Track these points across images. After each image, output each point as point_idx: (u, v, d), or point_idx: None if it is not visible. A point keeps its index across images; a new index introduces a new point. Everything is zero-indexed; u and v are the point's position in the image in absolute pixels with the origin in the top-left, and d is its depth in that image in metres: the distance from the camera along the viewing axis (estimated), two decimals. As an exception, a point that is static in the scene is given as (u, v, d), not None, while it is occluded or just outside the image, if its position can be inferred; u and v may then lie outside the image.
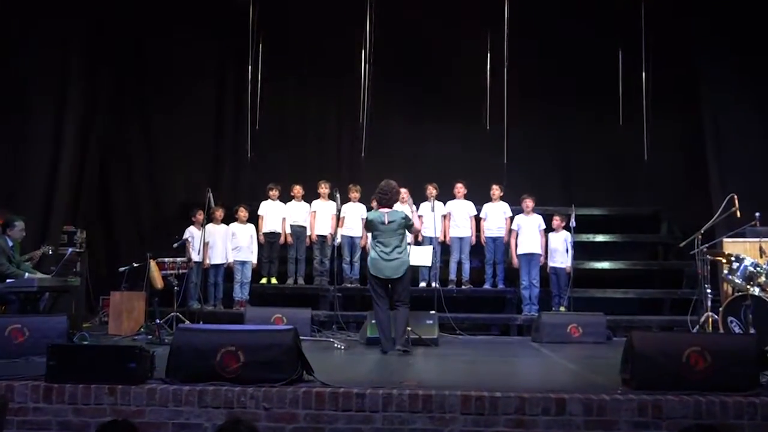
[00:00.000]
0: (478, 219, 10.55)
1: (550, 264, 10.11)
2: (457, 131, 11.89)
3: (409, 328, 7.71)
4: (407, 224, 7.56)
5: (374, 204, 10.04)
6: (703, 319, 8.01)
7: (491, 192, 10.51)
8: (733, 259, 8.01)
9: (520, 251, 10.18)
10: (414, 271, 9.68)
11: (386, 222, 7.48)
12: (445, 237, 10.47)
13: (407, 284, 7.55)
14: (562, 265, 9.99)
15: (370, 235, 7.85)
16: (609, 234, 11.56)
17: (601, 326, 8.81)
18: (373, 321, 7.82)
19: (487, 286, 10.46)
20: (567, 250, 9.87)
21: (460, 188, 10.56)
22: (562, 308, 9.82)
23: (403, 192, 9.52)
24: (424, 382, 5.34)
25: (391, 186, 7.63)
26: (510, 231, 10.39)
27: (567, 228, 9.96)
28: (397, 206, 7.91)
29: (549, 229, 10.25)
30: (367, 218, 7.72)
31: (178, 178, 11.92)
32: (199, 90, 12.18)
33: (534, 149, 11.91)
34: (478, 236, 10.52)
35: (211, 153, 12.37)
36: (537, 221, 10.21)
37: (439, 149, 11.97)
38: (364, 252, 10.48)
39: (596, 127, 11.89)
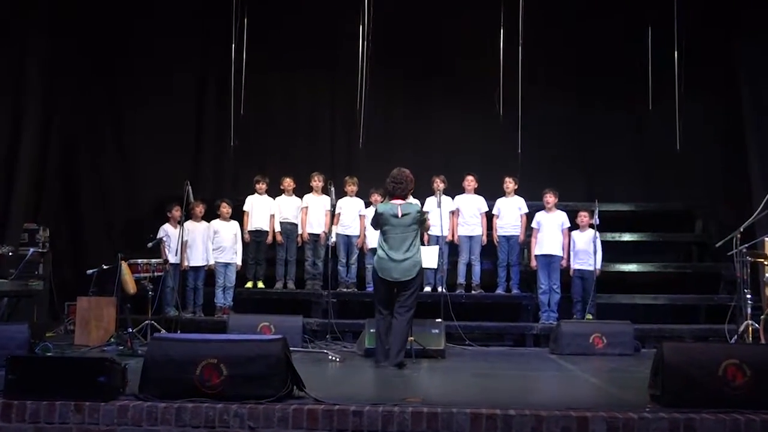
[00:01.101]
0: (489, 216, 10.55)
1: (576, 266, 10.10)
2: (467, 117, 11.87)
3: (411, 338, 7.70)
4: (422, 219, 7.50)
5: (374, 198, 10.07)
6: (742, 328, 8.00)
7: (504, 185, 10.51)
8: (776, 261, 8.02)
9: (538, 251, 10.17)
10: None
11: (399, 215, 7.38)
12: (453, 236, 10.46)
13: (417, 289, 7.45)
14: (590, 267, 9.98)
15: (368, 230, 7.79)
16: (636, 233, 11.56)
17: (628, 336, 8.80)
18: (372, 330, 7.80)
19: (499, 290, 10.46)
20: (595, 251, 9.84)
21: (470, 181, 10.55)
22: (589, 316, 9.80)
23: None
24: (429, 398, 5.32)
25: (404, 174, 7.55)
26: (525, 229, 10.39)
27: (592, 226, 9.94)
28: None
29: (572, 227, 10.23)
30: (376, 211, 7.57)
31: (152, 170, 11.90)
32: (177, 72, 12.16)
33: (552, 138, 11.90)
34: (489, 235, 10.52)
35: (190, 142, 12.37)
36: (560, 219, 10.21)
37: (446, 137, 11.96)
38: (362, 253, 10.49)
39: (622, 112, 11.89)
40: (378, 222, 7.50)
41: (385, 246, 7.37)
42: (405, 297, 7.33)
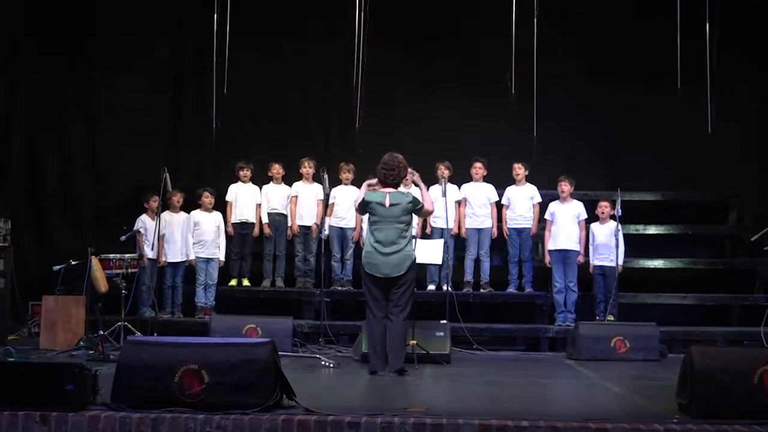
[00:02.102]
0: (500, 206, 10.55)
1: (596, 262, 10.11)
2: (475, 97, 11.84)
3: (413, 342, 7.71)
4: (415, 209, 7.52)
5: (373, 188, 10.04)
6: (780, 330, 8.02)
7: (514, 172, 10.51)
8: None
9: (552, 246, 10.17)
10: (421, 271, 9.69)
11: (387, 204, 7.42)
12: (459, 228, 10.46)
13: (410, 286, 7.48)
14: (612, 263, 9.97)
15: (365, 221, 7.81)
16: (663, 225, 11.55)
17: (654, 340, 8.83)
18: (369, 333, 7.83)
19: (511, 289, 10.48)
20: (617, 245, 9.84)
21: (478, 168, 10.55)
22: (610, 317, 9.81)
23: (409, 172, 9.49)
24: (432, 408, 5.34)
25: (397, 160, 7.58)
26: (538, 221, 10.39)
27: (614, 217, 9.94)
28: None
29: (591, 218, 10.23)
30: (363, 198, 7.62)
31: (126, 156, 11.86)
32: (152, 48, 12.14)
33: (569, 119, 11.89)
34: (500, 227, 10.53)
35: (167, 124, 12.35)
36: (576, 209, 10.20)
37: (452, 119, 11.93)
38: (359, 247, 10.48)
39: (648, 92, 11.85)
40: (362, 209, 7.65)
41: (372, 238, 7.43)
42: (397, 295, 7.35)
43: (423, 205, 7.61)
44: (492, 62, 11.16)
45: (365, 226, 10.09)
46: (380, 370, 7.29)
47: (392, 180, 7.53)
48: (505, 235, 10.50)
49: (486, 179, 10.60)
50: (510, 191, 10.53)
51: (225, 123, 11.32)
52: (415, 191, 9.74)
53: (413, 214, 7.62)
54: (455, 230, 10.38)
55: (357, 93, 10.75)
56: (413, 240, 7.67)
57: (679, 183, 11.90)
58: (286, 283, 10.68)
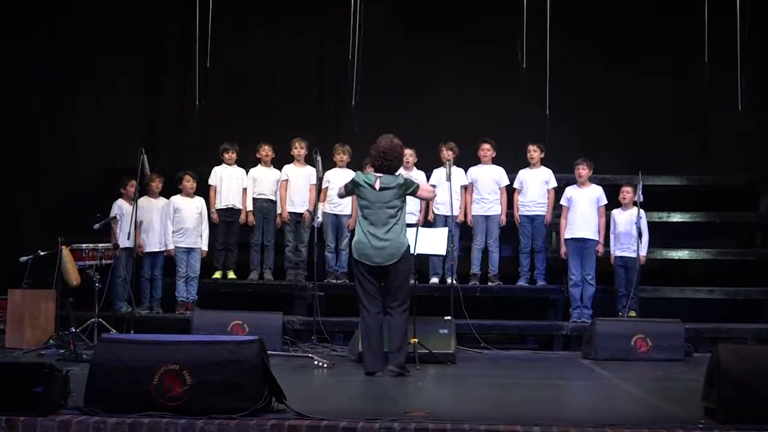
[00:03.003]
0: (510, 191, 10.56)
1: (617, 253, 10.11)
2: (483, 72, 11.84)
3: (415, 340, 7.72)
4: (408, 190, 7.49)
5: (369, 171, 10.04)
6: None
7: (528, 155, 10.50)
8: None
9: (569, 235, 10.18)
10: (423, 263, 9.70)
11: (377, 188, 7.43)
12: (465, 216, 10.47)
13: (405, 277, 7.51)
14: (634, 254, 9.97)
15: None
16: (688, 212, 11.57)
17: (678, 338, 8.85)
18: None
19: (522, 282, 10.49)
20: (640, 234, 9.84)
21: (486, 150, 10.53)
22: (632, 313, 9.83)
23: (408, 154, 9.49)
24: (435, 412, 5.35)
25: (393, 145, 7.57)
26: (553, 208, 10.39)
27: (635, 203, 9.93)
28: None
29: (612, 205, 10.23)
30: (352, 179, 7.67)
31: (100, 136, 11.86)
32: (129, 17, 12.11)
33: (587, 96, 11.88)
34: (510, 214, 10.53)
35: (145, 101, 12.34)
36: (594, 194, 10.20)
37: (457, 96, 11.92)
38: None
39: (671, 66, 11.85)
40: (349, 191, 7.65)
41: (363, 225, 7.45)
42: (394, 289, 7.39)
43: (417, 185, 7.60)
44: (501, 34, 11.13)
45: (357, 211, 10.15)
46: (378, 370, 7.31)
47: (388, 170, 7.54)
48: (516, 222, 10.50)
49: (495, 162, 10.58)
50: (523, 174, 10.53)
51: (209, 100, 11.31)
52: (415, 173, 9.78)
53: (407, 197, 7.58)
54: (461, 218, 10.39)
55: (353, 67, 10.74)
56: (416, 228, 7.64)
57: (706, 166, 11.86)
58: (275, 276, 10.69)
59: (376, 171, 7.61)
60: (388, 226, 7.37)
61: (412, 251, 7.70)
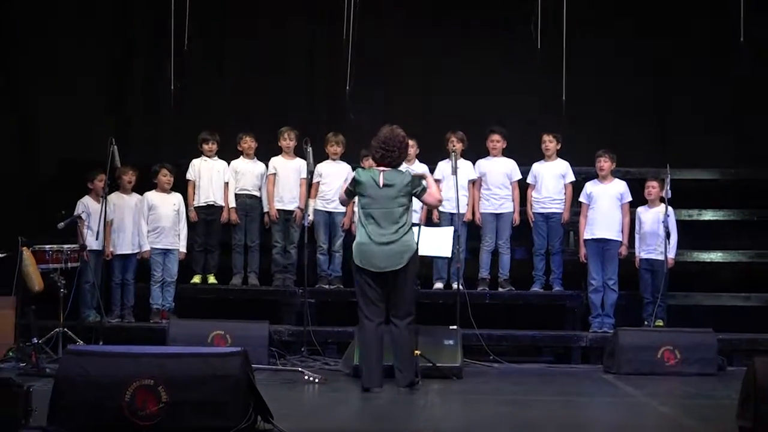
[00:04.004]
0: (523, 186, 10.56)
1: (643, 255, 10.11)
2: (494, 53, 11.85)
3: (417, 352, 7.71)
4: (414, 190, 7.52)
5: (368, 164, 10.05)
6: None
7: (543, 146, 10.49)
8: None
9: (588, 235, 10.18)
10: (426, 266, 9.69)
11: (381, 184, 7.45)
12: (473, 214, 10.48)
13: (411, 284, 7.52)
14: (662, 257, 9.97)
15: (357, 205, 7.81)
16: (721, 210, 11.59)
17: (710, 349, 8.85)
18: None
19: (536, 287, 10.49)
20: (668, 234, 9.84)
21: (495, 141, 10.52)
22: (659, 322, 9.83)
23: (409, 145, 9.48)
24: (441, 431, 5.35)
25: (398, 138, 7.57)
26: (571, 205, 10.39)
27: (663, 200, 9.93)
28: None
29: (637, 202, 10.23)
30: (353, 177, 7.69)
31: (63, 125, 11.85)
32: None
33: (608, 79, 11.89)
34: (523, 212, 10.53)
35: (115, 86, 12.34)
36: (617, 190, 10.19)
37: (464, 80, 11.93)
38: (350, 236, 10.46)
39: (702, 46, 11.87)
40: (352, 191, 7.64)
41: (366, 226, 7.46)
42: (398, 296, 7.41)
43: (425, 188, 7.60)
44: (513, 9, 11.13)
45: (358, 210, 10.14)
46: (376, 386, 7.31)
47: (390, 162, 7.55)
48: (529, 221, 10.50)
49: (505, 153, 10.57)
50: (537, 168, 10.52)
51: (186, 84, 11.32)
52: (417, 167, 9.76)
53: (413, 197, 7.59)
54: (468, 216, 10.40)
55: (348, 47, 10.75)
56: (418, 227, 7.64)
57: (741, 158, 11.90)
58: (261, 281, 10.69)
59: (377, 164, 7.62)
60: (395, 225, 7.40)
61: (416, 254, 7.71)
